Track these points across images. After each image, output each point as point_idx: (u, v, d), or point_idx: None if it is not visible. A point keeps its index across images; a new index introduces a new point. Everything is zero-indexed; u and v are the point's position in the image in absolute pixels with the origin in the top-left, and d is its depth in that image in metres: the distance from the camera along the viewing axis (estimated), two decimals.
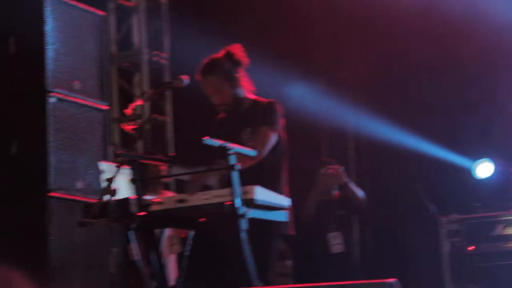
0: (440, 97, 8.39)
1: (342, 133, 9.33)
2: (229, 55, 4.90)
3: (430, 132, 8.29)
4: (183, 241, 5.88)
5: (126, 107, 6.89)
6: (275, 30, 8.40)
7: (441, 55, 8.29)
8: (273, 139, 4.82)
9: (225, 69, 4.88)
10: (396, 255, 8.30)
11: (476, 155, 7.90)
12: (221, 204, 4.35)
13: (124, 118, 7.92)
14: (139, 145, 7.56)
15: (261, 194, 4.41)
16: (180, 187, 7.27)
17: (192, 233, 4.97)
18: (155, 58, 8.41)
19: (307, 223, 6.93)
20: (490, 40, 7.85)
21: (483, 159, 7.82)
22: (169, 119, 8.40)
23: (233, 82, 4.89)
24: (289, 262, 7.64)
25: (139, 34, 8.33)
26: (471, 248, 6.57)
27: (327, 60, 9.04)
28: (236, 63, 4.91)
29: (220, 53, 4.94)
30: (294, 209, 4.87)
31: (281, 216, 4.60)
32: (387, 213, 8.55)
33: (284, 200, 4.60)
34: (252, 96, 4.98)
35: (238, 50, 4.93)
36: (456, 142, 8.06)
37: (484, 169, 7.77)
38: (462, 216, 7.21)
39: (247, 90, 4.96)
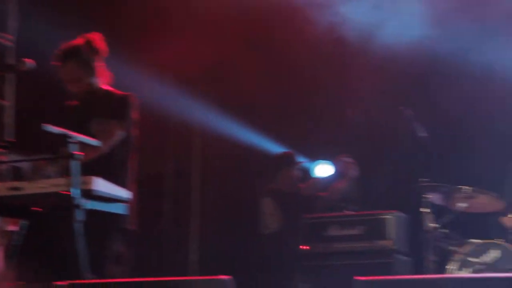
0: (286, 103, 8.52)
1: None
2: (88, 43, 4.79)
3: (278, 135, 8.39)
4: (8, 234, 5.67)
5: None
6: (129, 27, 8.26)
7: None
8: (119, 134, 4.73)
9: (82, 56, 4.77)
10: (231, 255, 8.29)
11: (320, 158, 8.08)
12: (57, 193, 4.23)
13: None
14: None
15: (101, 185, 4.32)
16: (18, 175, 7.01)
17: (24, 223, 4.80)
18: None
19: None
20: None
21: (323, 161, 8.01)
22: (8, 103, 8.10)
23: (90, 70, 4.78)
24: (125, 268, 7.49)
25: None
26: (304, 247, 6.69)
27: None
28: (95, 52, 4.80)
29: (79, 40, 4.81)
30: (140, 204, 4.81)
31: (120, 209, 4.53)
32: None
33: (125, 193, 4.53)
34: (107, 88, 4.87)
35: (98, 38, 4.82)
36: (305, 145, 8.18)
37: (323, 170, 7.97)
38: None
39: (103, 80, 4.86)
